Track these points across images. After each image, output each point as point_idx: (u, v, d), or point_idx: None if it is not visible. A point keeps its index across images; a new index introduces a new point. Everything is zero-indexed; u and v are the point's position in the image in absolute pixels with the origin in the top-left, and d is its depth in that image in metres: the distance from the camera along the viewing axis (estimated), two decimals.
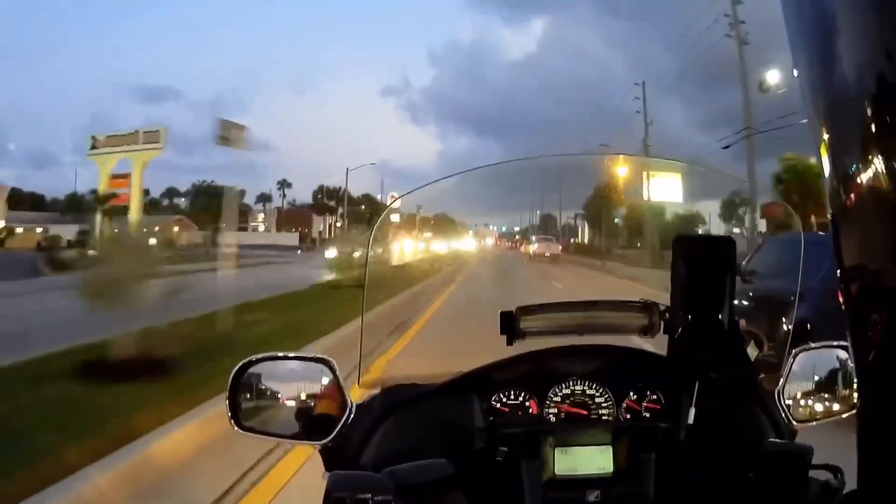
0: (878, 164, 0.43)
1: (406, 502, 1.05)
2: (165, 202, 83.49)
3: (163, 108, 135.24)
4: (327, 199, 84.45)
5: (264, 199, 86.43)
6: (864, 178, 0.44)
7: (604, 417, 1.43)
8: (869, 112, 0.44)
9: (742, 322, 1.36)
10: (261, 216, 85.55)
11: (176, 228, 53.00)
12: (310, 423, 1.29)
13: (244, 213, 72.90)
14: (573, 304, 1.62)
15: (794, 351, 1.35)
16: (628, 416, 1.43)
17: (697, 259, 1.32)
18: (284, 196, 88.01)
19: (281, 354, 1.32)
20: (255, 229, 78.78)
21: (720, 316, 1.29)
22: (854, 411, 1.29)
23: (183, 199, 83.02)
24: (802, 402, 1.34)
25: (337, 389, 1.29)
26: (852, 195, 0.46)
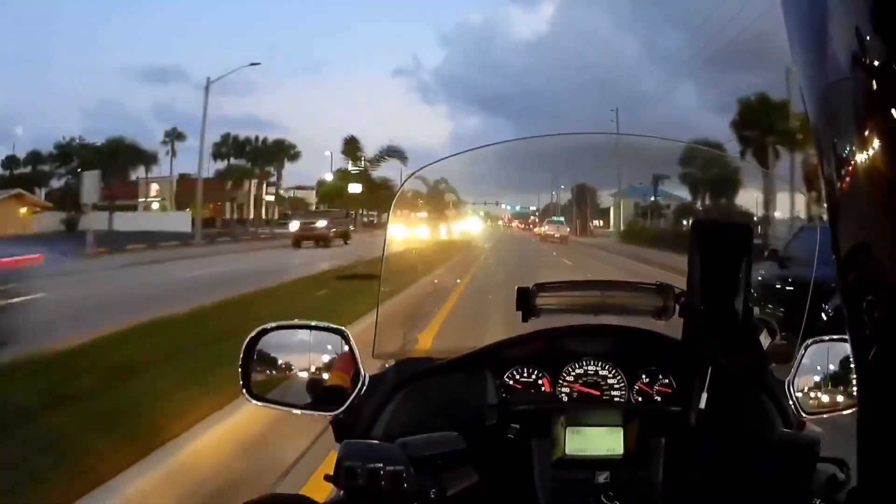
0: (876, 153, 0.43)
1: (417, 473, 1.06)
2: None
3: (169, 89, 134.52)
4: (247, 160, 55.68)
5: (146, 160, 52.00)
6: (862, 167, 0.44)
7: (615, 399, 1.44)
8: (865, 102, 0.44)
9: (756, 310, 1.35)
10: (155, 188, 56.67)
11: None
12: (322, 393, 1.31)
13: (131, 186, 52.43)
14: (589, 283, 1.63)
15: (805, 342, 1.35)
16: (640, 399, 1.44)
17: (714, 245, 1.32)
18: (174, 154, 54.34)
19: (296, 323, 1.33)
20: (147, 207, 55.78)
21: (735, 303, 1.29)
22: None
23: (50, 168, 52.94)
24: (812, 394, 1.34)
25: (351, 360, 1.30)
26: (849, 185, 0.46)
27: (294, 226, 33.61)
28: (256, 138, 55.77)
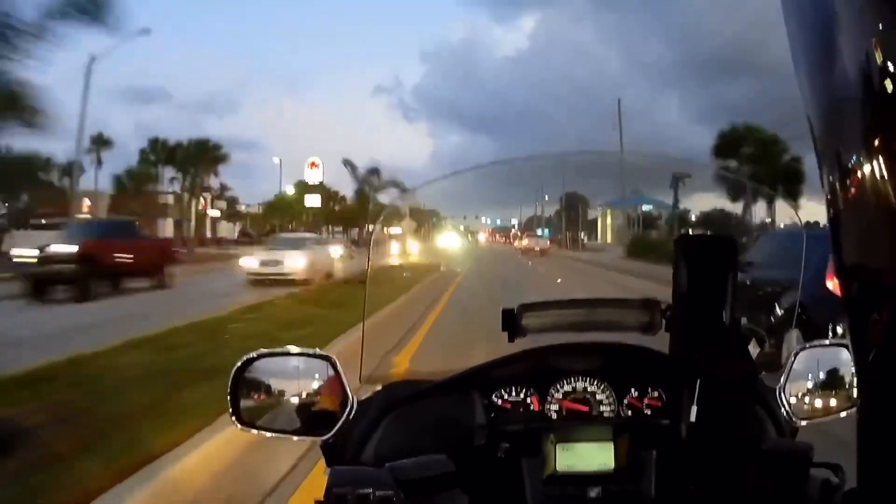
0: (878, 161, 0.43)
1: (407, 497, 1.05)
2: None
3: (152, 110, 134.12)
4: (177, 168, 48.67)
5: (67, 171, 40.57)
6: (864, 175, 0.44)
7: (605, 414, 1.43)
8: (868, 110, 0.44)
9: (743, 320, 1.37)
10: (87, 203, 45.40)
11: None
12: (311, 418, 1.30)
13: (61, 198, 38.97)
14: (575, 302, 1.63)
15: (795, 349, 1.36)
16: (629, 413, 1.44)
17: (699, 258, 1.33)
18: (100, 164, 48.10)
19: (282, 350, 1.32)
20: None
21: (722, 314, 1.30)
22: (855, 409, 1.31)
23: None
24: (803, 400, 1.35)
25: (339, 385, 1.30)
26: (851, 193, 0.46)
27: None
28: (191, 141, 49.16)
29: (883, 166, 0.43)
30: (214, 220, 59.80)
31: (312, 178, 46.26)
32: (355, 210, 62.11)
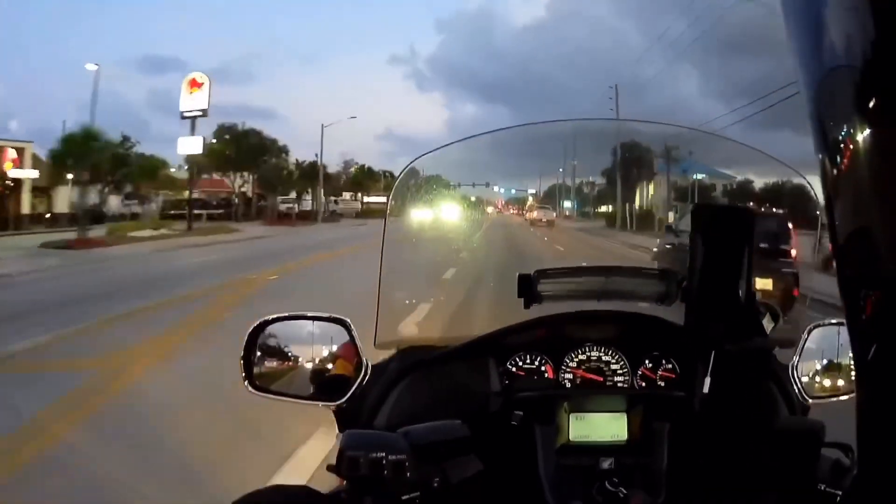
0: (876, 138, 0.42)
1: (420, 462, 1.06)
2: None
3: (167, 79, 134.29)
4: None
5: None
6: (861, 153, 0.43)
7: (619, 384, 1.44)
8: (864, 85, 0.43)
9: (759, 295, 1.36)
10: None
11: None
12: (325, 384, 1.31)
13: None
14: (591, 269, 1.62)
15: (808, 326, 1.35)
16: (643, 385, 1.45)
17: (716, 229, 1.32)
18: None
19: (297, 314, 1.32)
20: None
21: (737, 287, 1.29)
22: None
23: None
24: (815, 378, 1.35)
25: (353, 350, 1.30)
26: (847, 172, 0.45)
27: None
28: None
29: (882, 143, 0.42)
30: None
31: (191, 103, 35.30)
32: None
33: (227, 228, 34.77)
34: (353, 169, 75.93)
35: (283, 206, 56.45)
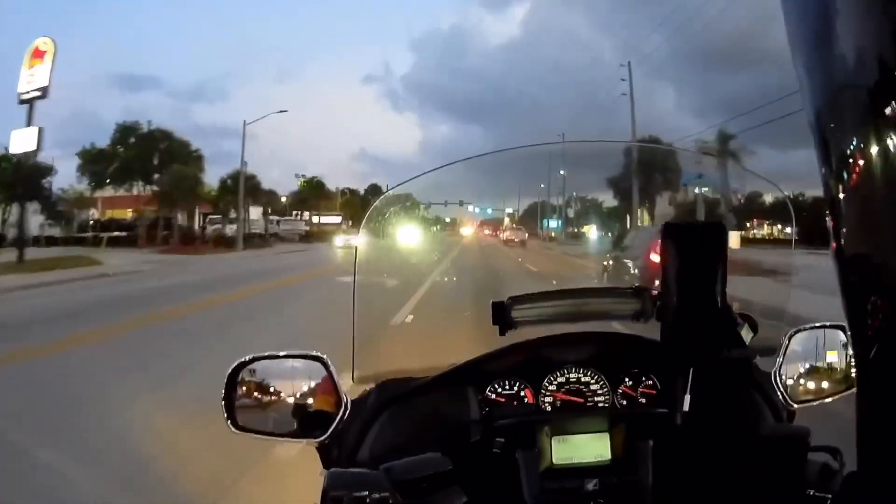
0: (879, 150, 0.43)
1: (404, 498, 1.05)
2: None
3: (143, 97, 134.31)
4: None
5: None
6: (864, 165, 0.44)
7: (600, 404, 1.44)
8: (868, 95, 0.43)
9: (736, 305, 1.37)
10: None
11: None
12: (306, 420, 1.29)
13: None
14: (564, 293, 1.62)
15: (789, 332, 1.36)
16: (624, 403, 1.44)
17: (687, 245, 1.33)
18: None
19: (275, 354, 1.31)
20: None
21: (713, 301, 1.30)
22: (851, 390, 1.31)
23: None
24: (799, 383, 1.35)
25: (332, 386, 1.29)
26: (851, 180, 0.45)
27: None
28: None
29: (884, 154, 0.43)
30: None
31: (30, 81, 25.19)
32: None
33: (84, 259, 26.67)
34: (299, 183, 68.15)
35: (211, 228, 51.26)
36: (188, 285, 18.02)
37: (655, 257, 7.29)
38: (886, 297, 0.44)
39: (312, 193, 67.78)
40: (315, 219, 68.80)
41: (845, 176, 0.46)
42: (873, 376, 0.47)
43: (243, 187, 45.70)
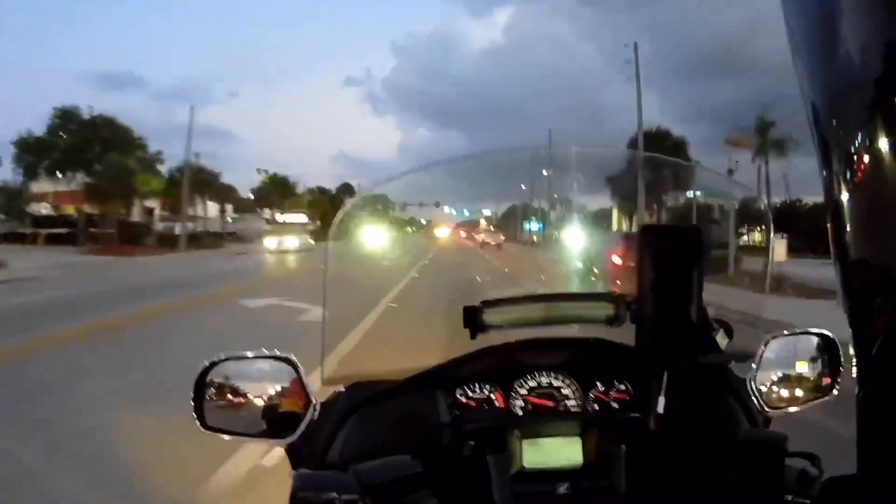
0: (881, 151, 0.42)
1: (373, 501, 1.04)
2: None
3: (126, 97, 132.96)
4: None
5: None
6: (866, 166, 0.43)
7: (571, 409, 1.43)
8: (871, 99, 0.43)
9: (710, 311, 1.37)
10: None
11: None
12: (276, 421, 1.27)
13: None
14: (537, 297, 1.62)
15: (765, 338, 1.37)
16: (596, 408, 1.43)
17: (664, 249, 1.33)
18: None
19: (244, 354, 1.30)
20: None
21: (688, 306, 1.30)
22: (827, 397, 1.32)
23: None
24: (775, 390, 1.35)
25: (300, 388, 1.27)
26: (852, 184, 0.45)
27: None
28: None
29: (885, 153, 0.42)
30: None
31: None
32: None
33: None
34: (261, 178, 63.81)
35: (162, 225, 46.85)
36: (74, 301, 13.95)
37: (617, 259, 7.49)
38: (889, 299, 0.44)
39: (276, 190, 64.34)
40: (281, 216, 61.19)
41: (847, 177, 0.46)
42: (875, 377, 0.47)
43: (188, 181, 43.09)
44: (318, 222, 63.04)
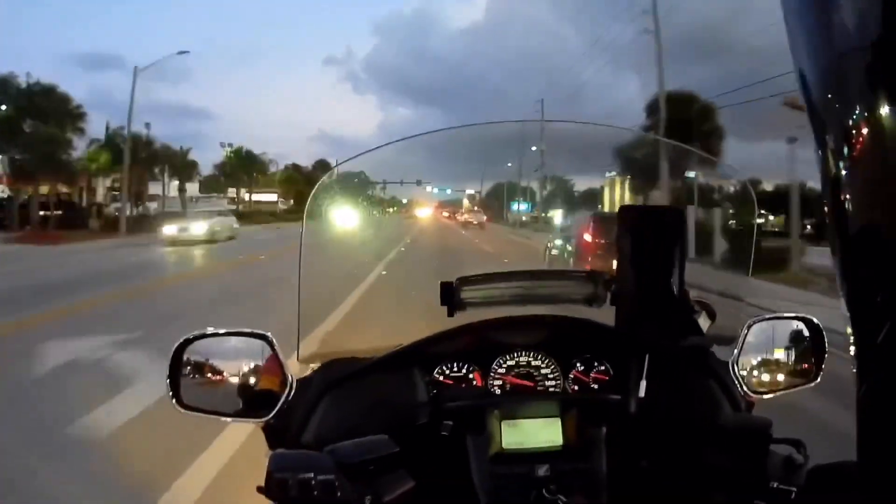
0: (882, 125, 0.40)
1: (350, 480, 1.03)
2: None
3: (106, 76, 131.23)
4: None
5: None
6: (866, 141, 0.42)
7: (550, 389, 1.42)
8: (870, 77, 0.41)
9: (692, 293, 1.37)
10: None
11: None
12: (252, 399, 1.26)
13: None
14: (516, 274, 1.61)
15: (748, 322, 1.36)
16: (576, 388, 1.43)
17: (644, 229, 1.32)
18: None
19: (220, 331, 1.28)
20: None
21: (669, 287, 1.29)
22: (811, 384, 1.31)
23: None
24: (758, 374, 1.35)
25: (277, 365, 1.26)
26: (851, 160, 0.43)
27: None
28: None
29: (885, 133, 0.40)
30: None
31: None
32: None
33: None
34: (224, 153, 56.78)
35: (114, 206, 40.07)
36: None
37: (588, 237, 8.07)
38: (889, 288, 0.43)
39: (241, 166, 57.84)
40: (248, 196, 60.43)
41: (845, 154, 0.44)
42: (875, 368, 0.45)
43: (129, 156, 35.65)
44: (292, 201, 60.81)
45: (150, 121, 41.93)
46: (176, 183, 48.28)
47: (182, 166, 48.13)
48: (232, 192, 60.30)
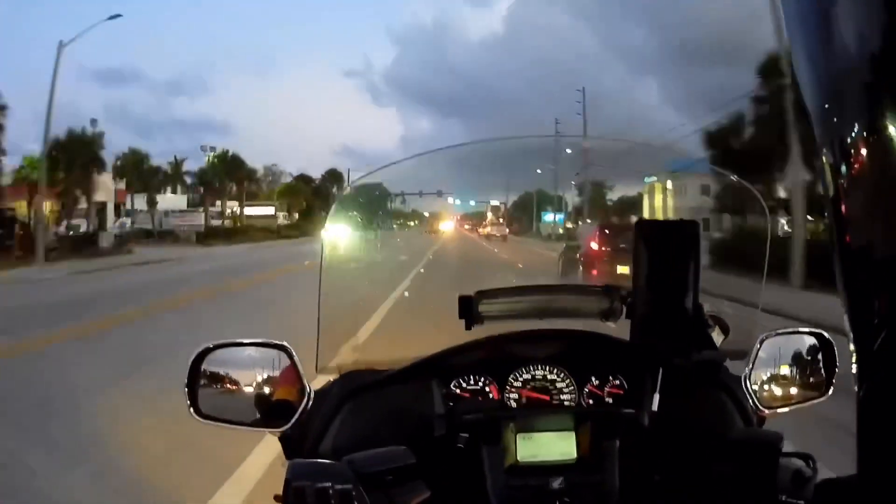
0: (881, 138, 0.41)
1: (367, 490, 1.03)
2: None
3: (123, 91, 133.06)
4: None
5: None
6: (866, 153, 0.43)
7: (565, 403, 1.43)
8: (871, 88, 0.42)
9: (706, 307, 1.36)
10: None
11: None
12: (269, 409, 1.28)
13: None
14: (533, 289, 1.61)
15: (760, 336, 1.36)
16: (591, 402, 1.43)
17: (660, 243, 1.32)
18: None
19: (238, 341, 1.30)
20: None
21: (684, 301, 1.29)
22: (822, 398, 1.31)
23: None
24: (770, 389, 1.35)
25: (295, 376, 1.27)
26: (852, 171, 0.44)
27: None
28: None
29: (886, 143, 0.41)
30: None
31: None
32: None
33: None
34: (207, 158, 51.75)
35: (70, 223, 34.89)
36: None
37: (594, 245, 8.47)
38: (889, 294, 0.43)
39: (226, 173, 51.21)
40: (243, 210, 54.34)
41: (846, 165, 0.45)
42: (875, 374, 0.46)
43: (46, 166, 27.99)
44: (297, 215, 55.45)
45: (172, 135, 40.68)
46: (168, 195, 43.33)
47: (169, 175, 44.12)
48: (230, 204, 55.02)
